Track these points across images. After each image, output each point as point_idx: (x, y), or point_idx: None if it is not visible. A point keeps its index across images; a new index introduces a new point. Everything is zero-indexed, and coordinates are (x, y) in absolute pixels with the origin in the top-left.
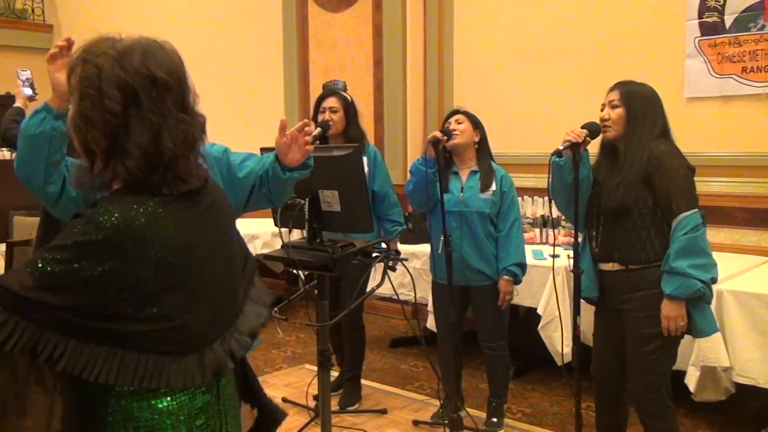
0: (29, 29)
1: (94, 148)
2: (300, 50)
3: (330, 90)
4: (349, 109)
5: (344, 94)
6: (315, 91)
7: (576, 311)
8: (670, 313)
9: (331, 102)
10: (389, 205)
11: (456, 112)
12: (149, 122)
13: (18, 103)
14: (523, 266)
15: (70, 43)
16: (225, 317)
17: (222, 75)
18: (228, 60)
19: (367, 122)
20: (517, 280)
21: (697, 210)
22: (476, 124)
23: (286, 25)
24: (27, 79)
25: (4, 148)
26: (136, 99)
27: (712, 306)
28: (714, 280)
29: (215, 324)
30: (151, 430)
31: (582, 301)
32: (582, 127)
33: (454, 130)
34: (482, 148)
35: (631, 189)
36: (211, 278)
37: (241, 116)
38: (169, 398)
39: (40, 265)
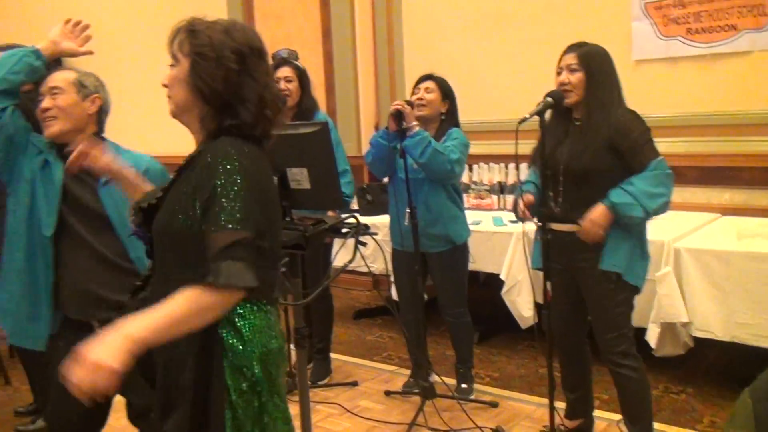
0: None
1: (210, 98)
2: (245, 22)
3: (282, 59)
4: (303, 78)
5: (297, 63)
6: None
7: (547, 276)
8: (599, 219)
9: (286, 71)
10: None
11: (428, 77)
12: (257, 80)
13: None
14: None
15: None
16: None
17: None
18: None
19: (318, 94)
20: None
21: (662, 157)
22: (446, 94)
23: None
24: None
25: None
26: (245, 62)
27: (670, 264)
28: (656, 213)
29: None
30: (250, 342)
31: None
32: (547, 96)
33: (421, 99)
34: (449, 119)
35: (597, 155)
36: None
37: None
38: (266, 309)
39: (237, 216)
